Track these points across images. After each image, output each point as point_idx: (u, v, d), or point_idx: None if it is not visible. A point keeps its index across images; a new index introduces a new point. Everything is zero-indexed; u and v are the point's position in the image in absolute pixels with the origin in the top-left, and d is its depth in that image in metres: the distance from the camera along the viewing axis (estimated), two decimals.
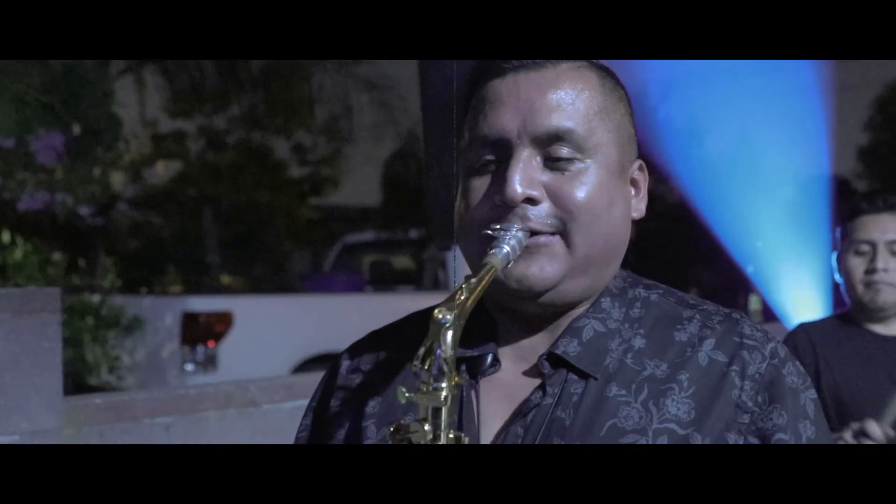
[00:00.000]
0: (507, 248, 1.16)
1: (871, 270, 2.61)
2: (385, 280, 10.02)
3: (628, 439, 1.17)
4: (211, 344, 7.72)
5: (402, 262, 10.84)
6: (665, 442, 1.17)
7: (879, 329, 2.66)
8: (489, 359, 1.27)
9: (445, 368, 1.04)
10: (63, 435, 2.40)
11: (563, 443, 1.18)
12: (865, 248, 2.63)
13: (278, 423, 2.74)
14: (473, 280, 1.11)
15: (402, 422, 1.09)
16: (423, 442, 1.05)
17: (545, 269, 1.21)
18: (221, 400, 2.67)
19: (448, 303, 1.07)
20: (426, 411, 1.05)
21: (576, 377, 1.22)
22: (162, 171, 15.80)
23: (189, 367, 7.65)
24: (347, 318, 7.85)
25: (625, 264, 1.33)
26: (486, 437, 1.22)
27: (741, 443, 1.19)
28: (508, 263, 1.17)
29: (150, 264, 11.39)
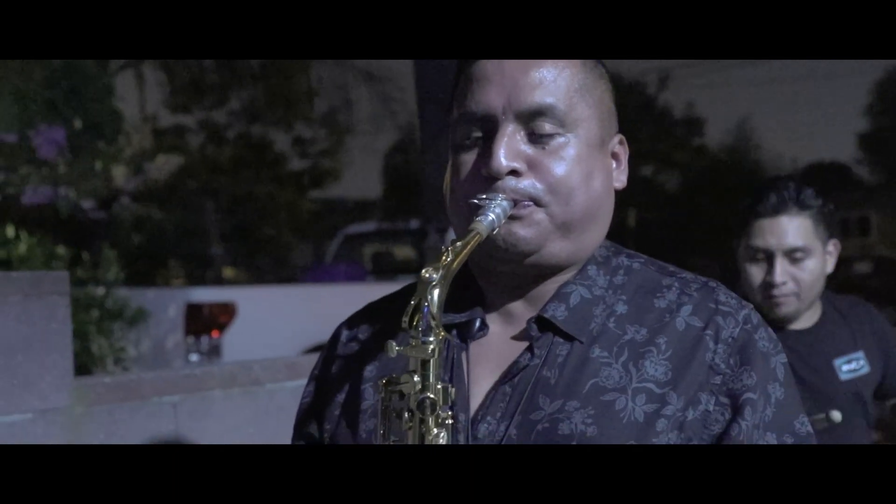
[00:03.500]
0: (492, 216, 1.25)
1: (769, 284, 2.38)
2: (386, 270, 10.08)
3: (609, 396, 1.25)
4: (215, 334, 7.81)
5: (402, 251, 10.91)
6: (643, 400, 1.25)
7: (792, 325, 2.44)
8: (477, 323, 1.35)
9: (433, 323, 1.13)
10: (73, 413, 2.49)
11: (548, 400, 1.26)
12: (762, 256, 2.40)
13: (282, 401, 2.82)
14: (459, 244, 1.20)
15: (393, 375, 1.18)
16: (412, 392, 1.13)
17: (529, 230, 1.29)
18: (226, 379, 2.76)
19: (434, 263, 1.16)
20: (415, 364, 1.13)
21: (561, 340, 1.30)
22: (163, 164, 15.88)
23: (194, 357, 7.73)
24: (349, 307, 7.88)
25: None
26: (476, 397, 1.30)
27: (712, 403, 1.26)
28: (493, 230, 1.25)
29: (153, 257, 11.47)
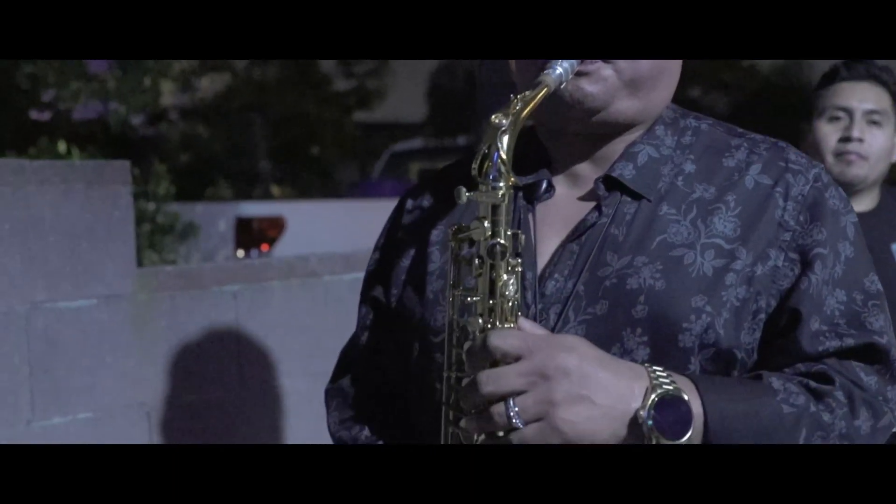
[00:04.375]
0: (560, 70, 1.23)
1: (845, 139, 2.44)
2: None
3: (677, 252, 1.25)
4: (264, 248, 7.88)
5: None
6: (712, 255, 1.25)
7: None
8: (544, 184, 1.35)
9: (502, 169, 1.13)
10: (137, 300, 2.54)
11: (616, 257, 1.26)
12: (841, 114, 2.46)
13: (338, 293, 2.86)
14: (528, 93, 1.20)
15: (462, 224, 1.18)
16: (482, 238, 1.14)
17: (596, 86, 1.28)
18: (285, 271, 2.81)
19: (504, 110, 1.16)
20: (485, 209, 1.14)
21: (629, 199, 1.30)
22: (209, 85, 15.92)
23: None
24: None
25: None
26: (543, 255, 1.30)
27: (782, 258, 1.26)
28: (561, 84, 1.24)
29: (202, 174, 11.56)
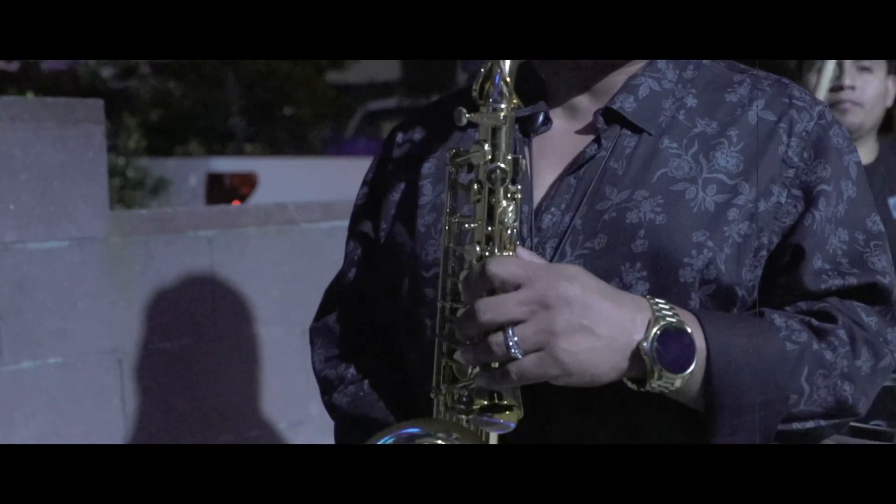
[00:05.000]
0: None
1: (837, 88, 2.48)
2: None
3: (678, 186, 1.21)
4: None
5: None
6: (714, 190, 1.21)
7: None
8: (541, 117, 1.30)
9: (505, 90, 1.09)
10: (110, 243, 2.48)
11: (615, 190, 1.22)
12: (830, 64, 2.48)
13: (315, 242, 2.80)
14: None
15: (461, 148, 1.14)
16: (481, 163, 1.09)
17: None
18: (261, 218, 2.75)
19: None
20: (486, 132, 1.09)
21: (629, 132, 1.26)
22: None
23: None
24: None
25: None
26: (540, 189, 1.26)
27: (785, 195, 1.23)
28: None
29: (173, 131, 11.40)
